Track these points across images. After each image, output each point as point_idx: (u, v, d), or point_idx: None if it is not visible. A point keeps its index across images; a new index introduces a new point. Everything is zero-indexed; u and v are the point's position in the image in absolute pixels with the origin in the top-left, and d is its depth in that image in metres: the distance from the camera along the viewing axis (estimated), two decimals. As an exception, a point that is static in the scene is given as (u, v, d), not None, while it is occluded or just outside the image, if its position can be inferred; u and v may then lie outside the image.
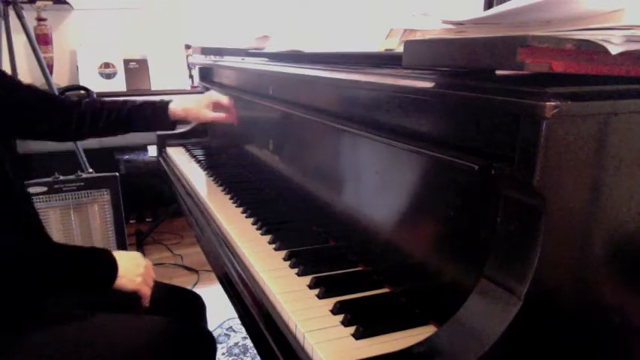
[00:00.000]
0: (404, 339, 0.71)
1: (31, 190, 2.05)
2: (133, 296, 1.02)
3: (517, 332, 0.55)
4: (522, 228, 0.58)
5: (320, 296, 0.83)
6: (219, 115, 1.38)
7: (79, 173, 2.17)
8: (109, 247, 2.22)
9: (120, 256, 1.00)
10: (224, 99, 1.41)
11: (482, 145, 0.64)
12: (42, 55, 2.26)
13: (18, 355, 0.89)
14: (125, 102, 1.30)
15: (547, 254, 0.56)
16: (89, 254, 0.99)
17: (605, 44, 0.52)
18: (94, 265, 0.97)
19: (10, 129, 1.14)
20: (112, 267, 0.97)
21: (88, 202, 2.17)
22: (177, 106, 1.30)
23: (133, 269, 1.00)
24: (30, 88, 1.20)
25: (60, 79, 2.93)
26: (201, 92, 2.17)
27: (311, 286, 0.86)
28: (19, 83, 1.18)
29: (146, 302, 1.04)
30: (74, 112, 1.24)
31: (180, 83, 3.08)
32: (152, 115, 1.30)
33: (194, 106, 1.31)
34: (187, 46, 3.09)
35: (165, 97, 1.37)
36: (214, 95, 1.41)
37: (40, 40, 2.73)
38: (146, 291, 1.03)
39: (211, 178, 1.58)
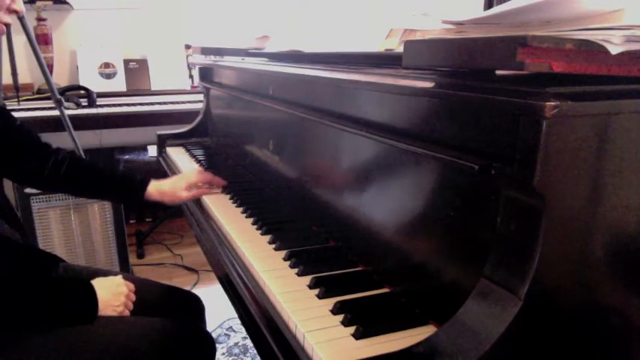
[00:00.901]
0: (404, 339, 0.71)
1: (31, 190, 2.05)
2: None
3: (517, 332, 0.55)
4: (522, 228, 0.58)
5: (320, 296, 0.83)
6: (196, 193, 1.37)
7: (79, 173, 2.17)
8: (108, 247, 2.22)
9: (101, 288, 0.99)
10: (203, 177, 1.38)
11: (483, 145, 0.64)
12: (42, 55, 2.25)
13: (18, 355, 0.90)
14: (105, 169, 1.29)
15: (547, 254, 0.56)
16: (70, 291, 0.98)
17: (605, 44, 0.52)
18: (73, 304, 0.97)
19: None
20: (93, 305, 0.97)
21: (88, 202, 2.17)
22: (155, 188, 1.30)
23: (113, 300, 1.01)
24: (9, 122, 1.18)
25: (60, 79, 2.93)
26: (201, 92, 2.18)
27: (311, 286, 0.86)
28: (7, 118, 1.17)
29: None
30: (51, 158, 1.21)
31: (180, 83, 3.07)
32: (127, 192, 1.30)
33: (170, 189, 1.31)
34: (187, 46, 3.09)
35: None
36: (192, 176, 1.37)
37: (40, 40, 2.72)
38: (126, 314, 1.03)
39: (211, 178, 1.58)
